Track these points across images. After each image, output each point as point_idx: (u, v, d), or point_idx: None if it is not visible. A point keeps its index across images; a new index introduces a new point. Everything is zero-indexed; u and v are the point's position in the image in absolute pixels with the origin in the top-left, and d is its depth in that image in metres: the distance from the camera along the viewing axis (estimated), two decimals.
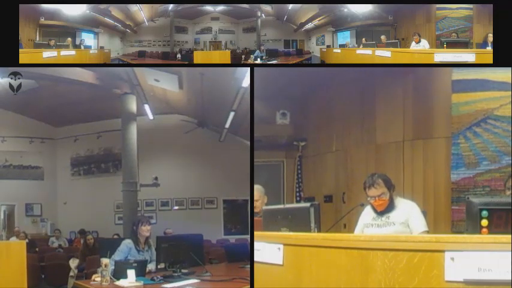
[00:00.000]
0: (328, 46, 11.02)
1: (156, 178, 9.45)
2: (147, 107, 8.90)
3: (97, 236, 9.03)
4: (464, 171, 5.54)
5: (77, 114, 10.17)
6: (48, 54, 7.08)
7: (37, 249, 7.93)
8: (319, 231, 2.98)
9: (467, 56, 5.67)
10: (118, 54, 11.32)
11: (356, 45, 9.86)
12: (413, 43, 7.54)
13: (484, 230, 2.18)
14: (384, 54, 6.73)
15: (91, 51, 9.56)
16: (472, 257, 1.94)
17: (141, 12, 11.06)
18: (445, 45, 7.28)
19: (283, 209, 3.26)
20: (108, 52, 10.31)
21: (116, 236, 8.15)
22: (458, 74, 5.65)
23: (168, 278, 3.69)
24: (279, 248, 2.65)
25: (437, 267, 1.97)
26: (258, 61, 9.72)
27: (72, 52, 8.45)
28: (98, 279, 3.67)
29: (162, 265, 4.08)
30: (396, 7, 9.60)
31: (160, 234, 6.71)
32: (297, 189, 7.59)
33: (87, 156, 11.01)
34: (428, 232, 3.37)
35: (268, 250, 2.76)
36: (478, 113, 5.54)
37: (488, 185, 5.42)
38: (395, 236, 2.78)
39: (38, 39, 9.21)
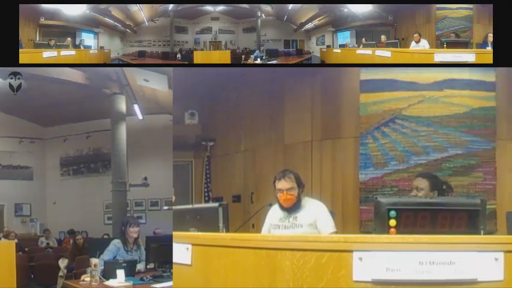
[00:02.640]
0: (328, 46, 11.03)
1: (145, 178, 9.44)
2: (136, 107, 8.85)
3: (86, 236, 8.95)
4: (372, 171, 5.53)
5: (67, 114, 10.13)
6: (48, 54, 7.06)
7: (26, 249, 7.91)
8: (227, 231, 2.99)
9: (467, 56, 5.67)
10: (118, 54, 11.31)
11: (356, 45, 9.86)
12: (413, 42, 7.55)
13: (392, 230, 2.17)
14: (384, 54, 6.73)
15: (91, 51, 9.53)
16: (380, 257, 1.95)
17: (141, 12, 11.04)
18: (445, 45, 7.27)
19: (191, 209, 3.28)
20: (108, 52, 10.28)
21: (105, 236, 8.13)
22: (366, 74, 5.65)
23: (157, 278, 3.71)
24: (187, 248, 2.62)
25: (346, 267, 1.97)
26: (258, 61, 9.71)
27: (72, 52, 8.42)
28: (88, 279, 3.69)
29: (151, 265, 4.09)
30: (396, 7, 9.60)
31: (150, 234, 6.68)
32: (206, 189, 7.50)
33: (77, 156, 11.01)
34: (336, 233, 3.32)
35: (177, 250, 2.74)
36: (386, 113, 5.54)
37: (396, 185, 5.43)
38: (304, 236, 2.80)
39: (38, 39, 9.18)
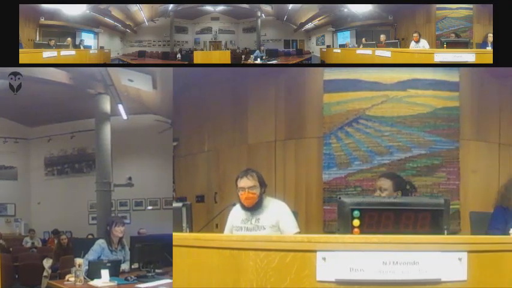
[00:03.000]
0: (328, 46, 11.01)
1: (130, 178, 9.46)
2: (120, 107, 8.76)
3: (71, 236, 8.88)
4: (336, 171, 5.47)
5: (51, 114, 10.02)
6: (48, 54, 7.09)
7: (11, 249, 7.92)
8: (191, 231, 3.00)
9: (467, 56, 5.67)
10: (118, 54, 11.32)
11: (356, 45, 9.84)
12: (412, 42, 7.52)
13: (356, 230, 2.18)
14: (384, 54, 6.73)
15: (91, 51, 9.57)
16: (344, 257, 1.97)
17: (141, 12, 11.07)
18: (445, 45, 7.24)
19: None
20: (108, 52, 10.32)
21: (90, 236, 8.11)
22: (330, 74, 5.60)
23: (142, 278, 3.73)
24: None
25: (309, 267, 1.99)
26: (258, 61, 9.71)
27: (72, 52, 8.46)
28: (72, 279, 3.69)
29: (136, 265, 4.11)
30: (396, 7, 9.57)
31: (134, 234, 6.65)
32: None
33: (61, 156, 10.92)
34: (299, 233, 3.30)
35: None
36: (349, 113, 5.49)
37: (360, 185, 5.38)
38: (268, 236, 2.81)
39: (38, 39, 9.21)
